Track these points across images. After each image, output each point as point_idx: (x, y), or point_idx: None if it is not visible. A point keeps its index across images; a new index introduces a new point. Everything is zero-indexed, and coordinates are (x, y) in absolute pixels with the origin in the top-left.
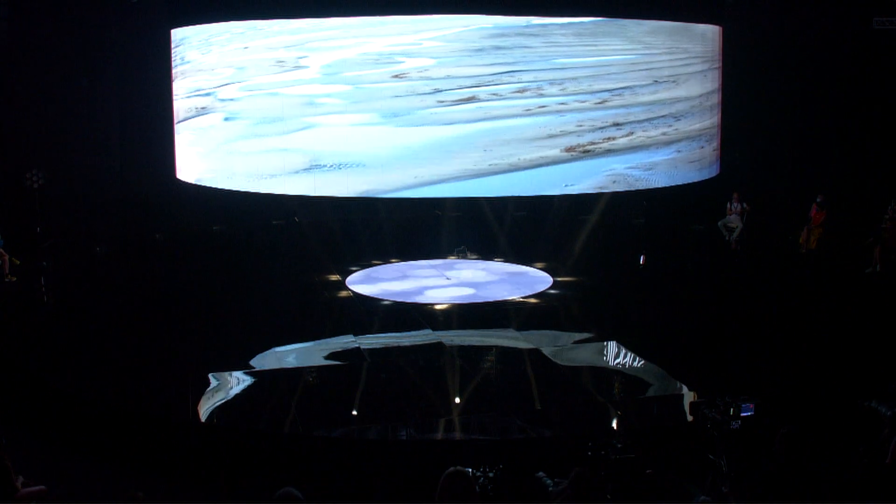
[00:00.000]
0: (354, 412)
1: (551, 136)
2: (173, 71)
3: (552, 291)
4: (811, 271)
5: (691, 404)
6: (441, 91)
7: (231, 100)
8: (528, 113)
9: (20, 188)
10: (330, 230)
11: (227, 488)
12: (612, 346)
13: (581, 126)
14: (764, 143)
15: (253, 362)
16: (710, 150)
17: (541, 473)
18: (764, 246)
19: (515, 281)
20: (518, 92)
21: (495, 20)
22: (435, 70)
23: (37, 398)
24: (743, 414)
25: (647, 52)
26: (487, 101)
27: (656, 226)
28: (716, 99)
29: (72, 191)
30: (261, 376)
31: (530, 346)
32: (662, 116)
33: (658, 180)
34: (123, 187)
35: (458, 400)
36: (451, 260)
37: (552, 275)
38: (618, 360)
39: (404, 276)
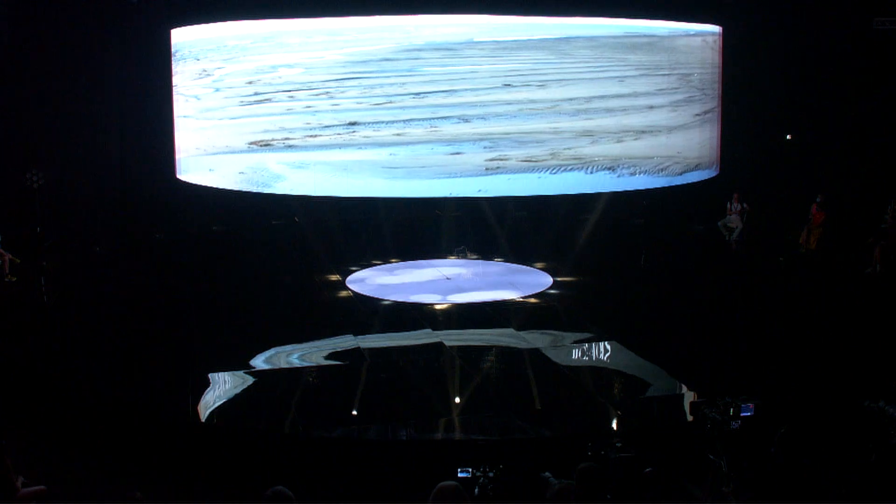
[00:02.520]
0: (354, 412)
1: (266, 131)
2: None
3: (552, 291)
4: (811, 271)
5: (691, 404)
6: (256, 94)
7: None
8: (288, 112)
9: (20, 188)
10: (330, 230)
11: (227, 488)
12: (612, 346)
13: (308, 123)
14: (764, 144)
15: (253, 362)
16: (518, 154)
17: (547, 474)
18: (764, 246)
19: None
20: (314, 94)
21: (446, 38)
22: (289, 77)
23: (37, 398)
24: (743, 414)
25: (554, 61)
26: (277, 101)
27: (656, 226)
28: (624, 103)
29: (72, 191)
30: (261, 376)
31: (530, 346)
32: (444, 118)
33: (304, 185)
34: (123, 187)
35: (458, 400)
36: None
37: (552, 275)
38: (618, 360)
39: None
